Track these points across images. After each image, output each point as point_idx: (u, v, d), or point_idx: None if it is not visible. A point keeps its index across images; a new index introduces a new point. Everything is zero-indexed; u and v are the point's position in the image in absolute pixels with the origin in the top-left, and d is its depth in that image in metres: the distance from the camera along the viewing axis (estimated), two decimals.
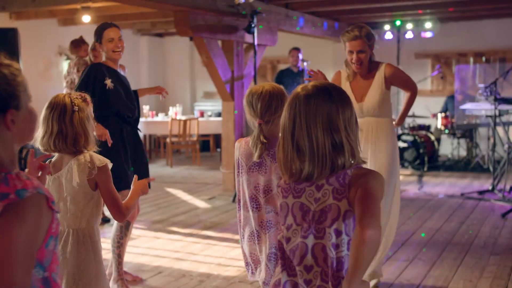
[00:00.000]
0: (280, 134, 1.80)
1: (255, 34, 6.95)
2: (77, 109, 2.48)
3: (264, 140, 2.59)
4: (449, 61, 10.68)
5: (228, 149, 7.36)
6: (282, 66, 11.47)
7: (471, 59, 10.33)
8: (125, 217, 2.53)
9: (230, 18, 7.01)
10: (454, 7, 8.66)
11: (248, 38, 7.35)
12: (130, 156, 4.04)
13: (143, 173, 3.98)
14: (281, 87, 2.69)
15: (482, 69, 10.23)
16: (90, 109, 2.57)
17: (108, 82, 3.99)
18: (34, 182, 1.34)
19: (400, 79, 3.98)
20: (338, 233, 1.70)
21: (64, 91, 6.36)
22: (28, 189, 1.31)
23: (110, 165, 2.54)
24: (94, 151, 2.56)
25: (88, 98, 2.60)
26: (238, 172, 2.75)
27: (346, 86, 3.93)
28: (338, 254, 1.71)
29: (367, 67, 3.90)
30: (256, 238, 2.68)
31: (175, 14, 6.42)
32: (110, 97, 3.99)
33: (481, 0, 8.19)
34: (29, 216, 1.30)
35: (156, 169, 9.79)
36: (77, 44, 6.48)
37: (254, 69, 7.12)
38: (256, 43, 6.99)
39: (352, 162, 1.74)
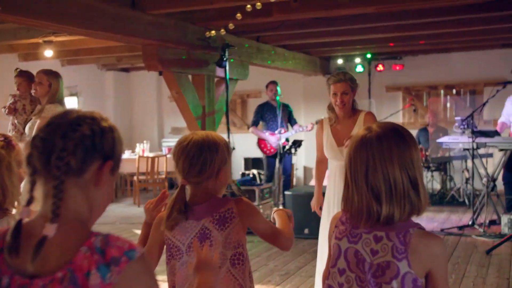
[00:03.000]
0: (348, 180, 1.71)
1: (227, 68, 6.72)
2: None
3: (183, 208, 2.03)
4: (420, 93, 10.64)
5: None
6: (252, 101, 11.27)
7: (442, 92, 10.32)
8: None
9: (200, 51, 6.76)
10: (424, 40, 8.62)
11: (219, 72, 7.11)
12: None
13: None
14: (219, 137, 2.11)
15: (453, 102, 10.22)
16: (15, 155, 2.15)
17: None
18: (131, 241, 1.26)
19: None
20: None
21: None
22: (136, 249, 1.23)
23: None
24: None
25: (14, 140, 2.17)
26: (170, 257, 2.11)
27: (327, 130, 4.07)
28: None
29: (349, 111, 4.02)
30: None
31: (144, 48, 6.14)
32: None
33: (451, 33, 8.16)
34: (150, 271, 1.27)
35: (122, 208, 9.36)
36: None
37: (226, 104, 6.87)
38: (228, 77, 6.76)
39: (418, 212, 1.69)
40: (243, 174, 9.41)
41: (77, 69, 10.66)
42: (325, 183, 4.25)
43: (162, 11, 5.80)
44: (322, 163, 4.22)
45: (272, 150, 8.23)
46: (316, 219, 4.91)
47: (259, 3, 5.27)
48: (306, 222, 6.58)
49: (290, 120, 8.38)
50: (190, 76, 6.97)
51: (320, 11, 6.13)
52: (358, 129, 3.81)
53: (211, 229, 2.02)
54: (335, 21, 6.96)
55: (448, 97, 10.28)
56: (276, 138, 8.08)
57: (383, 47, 9.51)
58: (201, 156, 2.00)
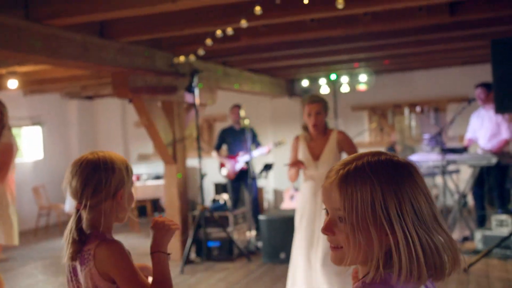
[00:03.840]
0: (427, 223, 1.22)
1: (196, 93, 6.67)
2: None
3: (76, 237, 1.84)
4: (385, 112, 10.79)
5: (173, 217, 6.90)
6: (218, 125, 11.21)
7: (406, 110, 10.49)
8: None
9: (169, 77, 6.70)
10: (389, 60, 8.76)
11: (187, 97, 7.05)
12: None
13: None
14: (119, 157, 1.94)
15: (418, 119, 10.39)
16: None
17: None
18: None
19: (349, 143, 4.47)
20: None
21: None
22: None
23: None
24: None
25: None
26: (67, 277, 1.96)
27: (303, 147, 4.45)
28: None
29: (322, 130, 4.43)
30: None
31: (113, 76, 6.05)
32: None
33: (414, 53, 8.32)
34: None
35: None
36: None
37: (197, 129, 6.80)
38: (197, 103, 6.71)
39: None
40: (214, 200, 9.30)
41: (40, 98, 10.44)
42: (293, 205, 4.47)
43: (131, 39, 5.73)
44: None
45: (232, 175, 8.15)
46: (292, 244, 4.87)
47: (230, 28, 5.26)
48: (282, 247, 6.53)
49: (253, 143, 8.26)
50: (159, 103, 6.90)
51: (289, 34, 6.14)
52: (333, 145, 4.37)
53: (76, 265, 1.86)
54: (301, 44, 7.01)
55: (413, 115, 10.44)
56: (234, 162, 8.02)
57: (348, 68, 9.63)
58: (95, 176, 1.84)
